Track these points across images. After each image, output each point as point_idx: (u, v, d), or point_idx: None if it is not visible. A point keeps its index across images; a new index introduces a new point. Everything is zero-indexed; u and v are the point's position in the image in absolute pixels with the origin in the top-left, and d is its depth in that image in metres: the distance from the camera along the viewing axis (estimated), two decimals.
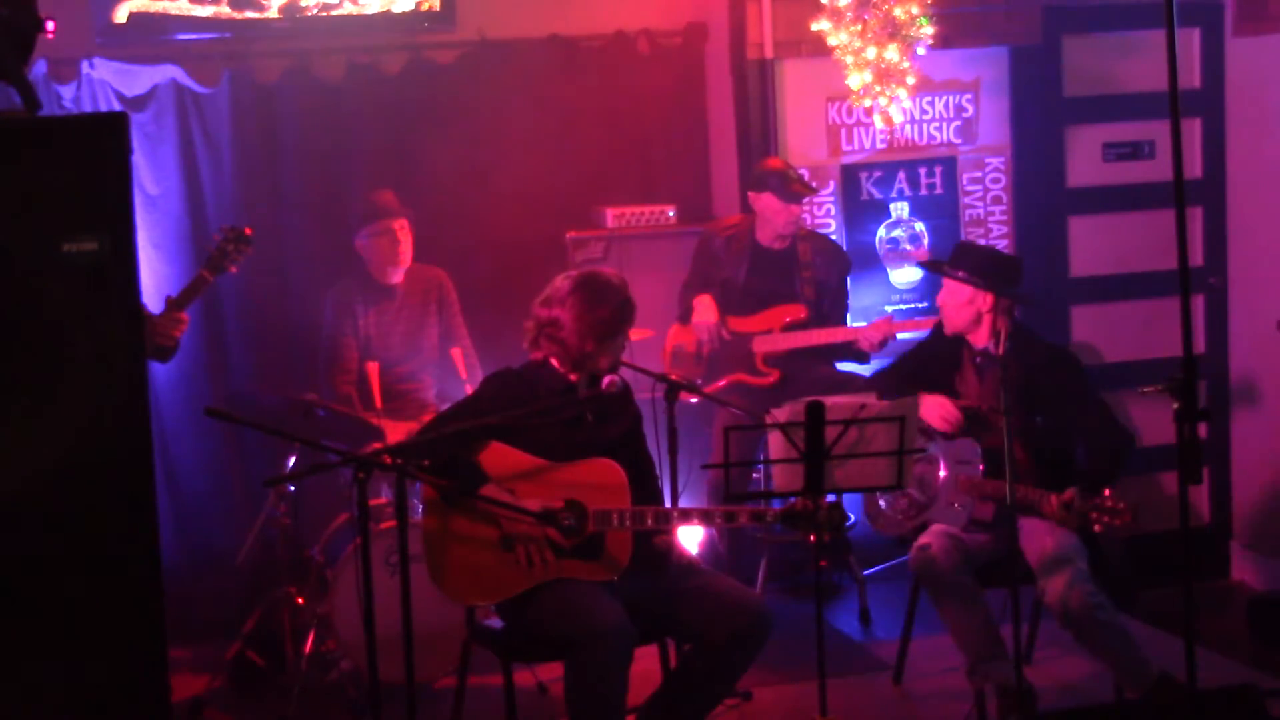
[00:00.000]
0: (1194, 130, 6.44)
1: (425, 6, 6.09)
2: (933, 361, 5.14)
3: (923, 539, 4.85)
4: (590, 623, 4.07)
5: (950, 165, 6.40)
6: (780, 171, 5.85)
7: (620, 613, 4.12)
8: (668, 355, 6.01)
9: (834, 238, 6.22)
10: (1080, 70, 6.42)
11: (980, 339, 5.00)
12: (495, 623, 4.50)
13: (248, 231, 5.10)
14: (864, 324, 5.87)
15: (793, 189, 5.81)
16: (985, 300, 4.93)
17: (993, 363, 4.94)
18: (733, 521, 4.28)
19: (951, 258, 5.09)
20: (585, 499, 4.24)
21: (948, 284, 5.02)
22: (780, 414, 4.30)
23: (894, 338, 5.71)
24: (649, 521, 4.23)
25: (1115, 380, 6.35)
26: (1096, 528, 4.55)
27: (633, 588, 4.28)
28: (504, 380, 4.45)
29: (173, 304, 4.94)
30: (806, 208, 6.08)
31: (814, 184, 6.13)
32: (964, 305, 4.96)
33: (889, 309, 6.27)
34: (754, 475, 5.70)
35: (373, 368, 5.66)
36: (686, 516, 4.31)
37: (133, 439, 3.29)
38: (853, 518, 5.68)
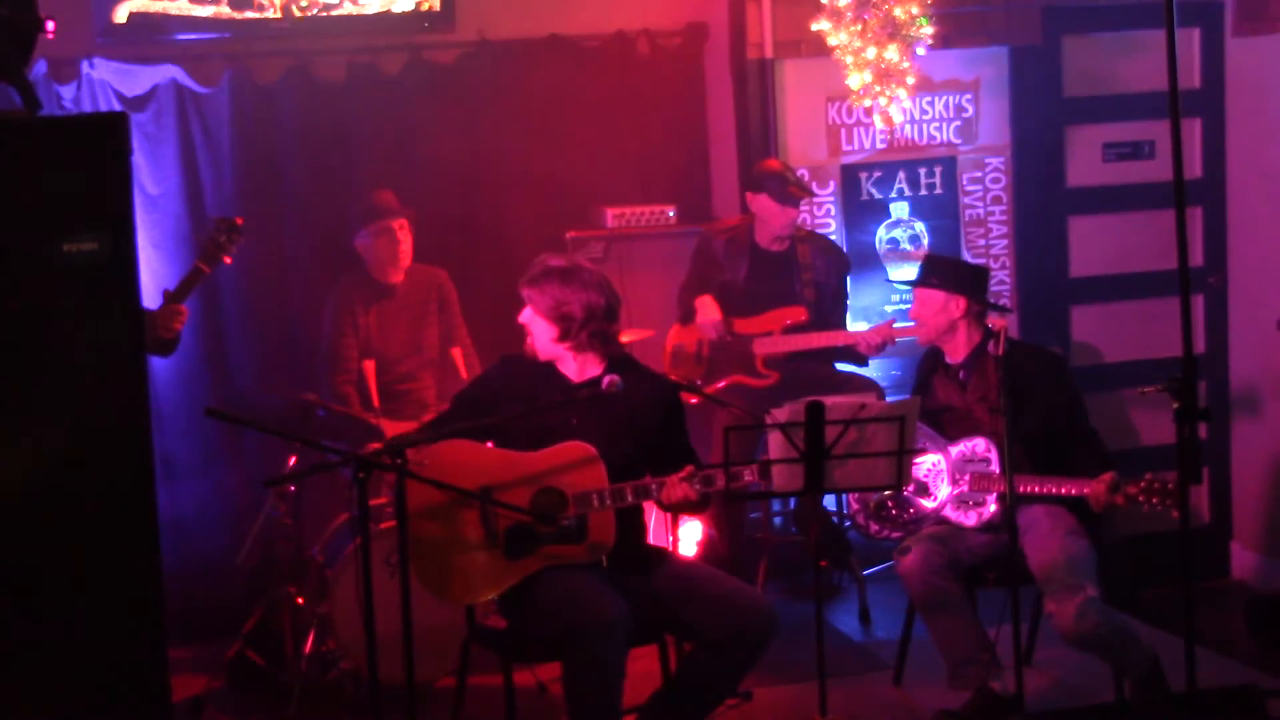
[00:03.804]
0: (1194, 130, 6.44)
1: (425, 6, 6.08)
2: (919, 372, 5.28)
3: (905, 541, 4.88)
4: (588, 615, 4.06)
5: (950, 165, 6.40)
6: (778, 173, 5.84)
7: (619, 603, 4.11)
8: (668, 356, 6.00)
9: (834, 238, 6.22)
10: (1080, 70, 6.41)
11: (956, 349, 5.05)
12: (496, 623, 4.49)
13: (239, 221, 5.11)
14: (865, 326, 5.87)
15: (789, 191, 5.80)
16: (957, 307, 4.99)
17: (972, 371, 5.00)
18: (710, 486, 4.25)
19: (921, 270, 5.14)
20: (560, 484, 4.24)
21: (918, 295, 5.09)
22: (780, 414, 4.30)
23: (894, 342, 5.71)
24: (629, 497, 4.23)
25: (1115, 380, 6.35)
26: (1145, 509, 4.55)
27: (634, 585, 4.28)
28: (513, 367, 4.45)
29: (170, 297, 4.95)
30: (806, 208, 6.08)
31: (813, 185, 6.13)
32: (937, 313, 5.03)
33: (889, 310, 6.27)
34: None
35: (369, 366, 5.66)
36: (666, 485, 4.25)
37: (133, 439, 3.29)
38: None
